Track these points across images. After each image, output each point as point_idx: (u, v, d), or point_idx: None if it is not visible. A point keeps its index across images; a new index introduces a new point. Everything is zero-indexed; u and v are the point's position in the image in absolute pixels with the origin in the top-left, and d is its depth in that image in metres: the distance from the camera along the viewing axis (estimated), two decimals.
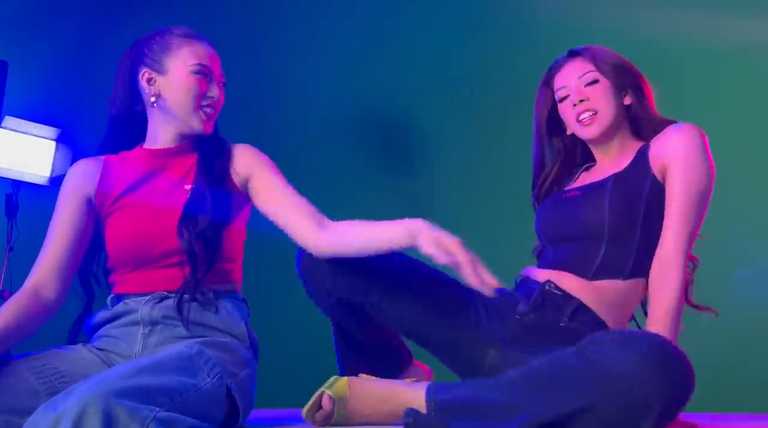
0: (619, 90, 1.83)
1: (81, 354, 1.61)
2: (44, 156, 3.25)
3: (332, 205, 2.77)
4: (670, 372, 1.34)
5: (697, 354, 2.47)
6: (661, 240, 1.69)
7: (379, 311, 1.73)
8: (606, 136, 1.83)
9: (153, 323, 1.61)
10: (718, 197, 2.65)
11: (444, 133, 3.30)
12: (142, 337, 1.61)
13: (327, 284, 1.71)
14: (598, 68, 1.81)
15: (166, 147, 1.77)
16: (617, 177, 1.77)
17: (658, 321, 1.62)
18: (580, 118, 1.81)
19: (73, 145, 3.29)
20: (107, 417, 1.21)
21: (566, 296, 1.71)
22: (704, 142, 1.74)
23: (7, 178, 3.19)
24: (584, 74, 1.82)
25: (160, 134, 1.77)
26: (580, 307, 1.69)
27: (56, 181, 3.21)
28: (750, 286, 2.58)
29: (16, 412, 1.43)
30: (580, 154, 1.97)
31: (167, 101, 1.75)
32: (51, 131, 3.26)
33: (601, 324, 1.70)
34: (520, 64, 2.91)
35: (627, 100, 1.84)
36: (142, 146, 1.80)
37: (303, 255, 1.73)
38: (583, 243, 1.75)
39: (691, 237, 1.70)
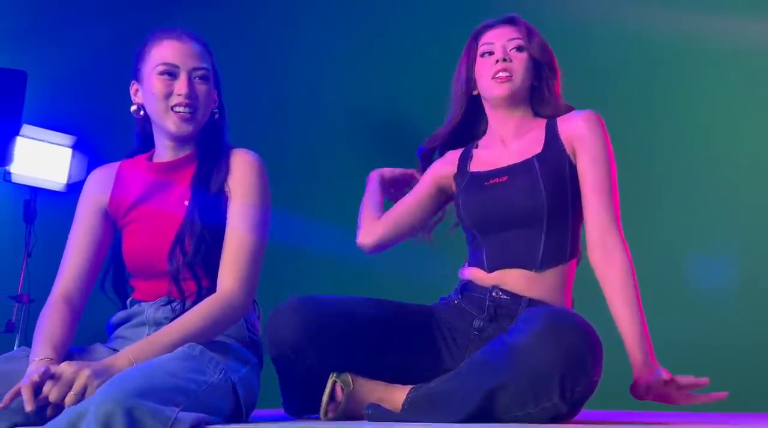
0: (536, 67, 1.86)
1: (101, 353, 1.66)
2: (61, 163, 3.32)
3: (333, 205, 2.80)
4: (564, 342, 1.40)
5: (698, 354, 2.49)
6: (594, 215, 1.72)
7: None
8: (513, 100, 1.84)
9: (157, 324, 1.66)
10: (726, 198, 2.67)
11: None
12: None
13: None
14: (527, 40, 1.85)
15: (167, 160, 1.75)
16: (540, 158, 1.78)
17: (627, 303, 1.64)
18: (497, 74, 1.83)
19: (88, 153, 3.35)
20: (131, 418, 1.24)
21: (515, 298, 1.72)
22: (604, 125, 1.80)
23: (25, 185, 3.26)
24: (514, 39, 1.85)
25: (159, 145, 1.76)
26: (531, 304, 1.70)
27: (73, 188, 3.28)
28: (756, 287, 2.60)
29: (41, 407, 1.44)
30: (468, 126, 1.97)
31: (146, 109, 1.74)
32: (67, 139, 3.33)
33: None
34: None
35: (535, 81, 1.87)
36: (151, 158, 1.79)
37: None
38: (520, 232, 1.75)
39: (617, 206, 1.74)
